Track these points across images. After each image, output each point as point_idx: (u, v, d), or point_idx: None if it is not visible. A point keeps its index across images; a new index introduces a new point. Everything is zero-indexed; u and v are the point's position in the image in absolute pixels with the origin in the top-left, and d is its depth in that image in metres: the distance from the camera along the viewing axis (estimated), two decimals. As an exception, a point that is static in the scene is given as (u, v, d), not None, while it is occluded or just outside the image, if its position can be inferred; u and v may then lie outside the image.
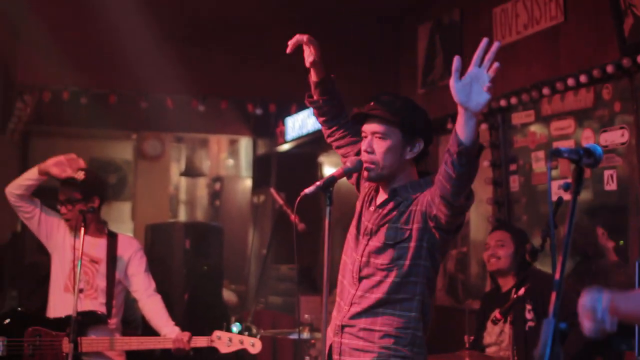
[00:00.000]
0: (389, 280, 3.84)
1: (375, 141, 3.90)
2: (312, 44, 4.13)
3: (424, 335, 3.92)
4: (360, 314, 3.89)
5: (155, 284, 5.90)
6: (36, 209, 5.85)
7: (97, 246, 5.81)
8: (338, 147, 4.35)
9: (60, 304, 5.65)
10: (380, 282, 3.86)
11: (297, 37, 4.16)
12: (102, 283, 5.76)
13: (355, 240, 4.03)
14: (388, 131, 3.89)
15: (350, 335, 3.92)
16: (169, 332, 5.64)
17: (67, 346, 5.32)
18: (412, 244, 3.82)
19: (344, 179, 4.24)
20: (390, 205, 3.93)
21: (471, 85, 3.29)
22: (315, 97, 4.32)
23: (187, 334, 5.57)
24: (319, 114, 4.36)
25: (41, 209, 5.87)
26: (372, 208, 4.01)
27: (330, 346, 3.99)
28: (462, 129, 3.37)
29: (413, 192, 3.90)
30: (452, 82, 3.29)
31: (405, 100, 4.03)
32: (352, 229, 4.08)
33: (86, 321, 5.56)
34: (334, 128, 4.33)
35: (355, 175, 4.26)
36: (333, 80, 4.27)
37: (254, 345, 5.49)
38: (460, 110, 3.36)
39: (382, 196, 3.99)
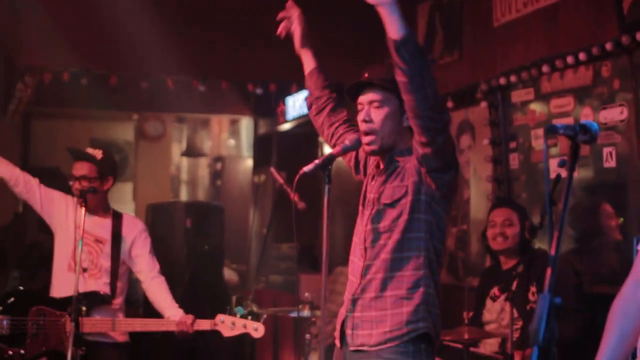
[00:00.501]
0: (392, 239, 3.83)
1: (372, 110, 3.90)
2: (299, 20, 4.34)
3: (436, 294, 3.88)
4: (370, 282, 3.86)
5: (159, 266, 5.92)
6: (34, 186, 5.86)
7: (102, 226, 5.84)
8: (336, 135, 4.33)
9: (64, 283, 5.67)
10: (384, 245, 3.85)
11: (284, 15, 4.36)
12: (106, 263, 5.78)
13: (362, 215, 4.02)
14: (385, 98, 3.89)
15: (362, 307, 3.88)
16: (172, 314, 5.66)
17: (70, 325, 5.34)
18: (410, 198, 3.80)
19: (345, 164, 4.27)
20: (388, 171, 3.93)
21: None
22: (318, 92, 4.38)
23: (190, 317, 5.58)
24: (322, 107, 4.38)
25: (39, 187, 5.88)
26: (373, 181, 4.00)
27: (343, 322, 3.97)
28: (388, 26, 3.47)
29: (409, 155, 3.89)
30: None
31: None
32: (359, 207, 4.07)
33: (90, 301, 5.59)
34: (338, 122, 4.35)
35: (362, 166, 4.25)
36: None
37: (257, 329, 5.51)
38: (379, 11, 3.46)
39: (381, 165, 3.99)
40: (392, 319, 3.81)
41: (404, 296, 3.81)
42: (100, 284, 5.74)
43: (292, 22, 4.38)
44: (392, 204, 3.85)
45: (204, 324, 5.56)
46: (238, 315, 5.55)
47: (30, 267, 9.28)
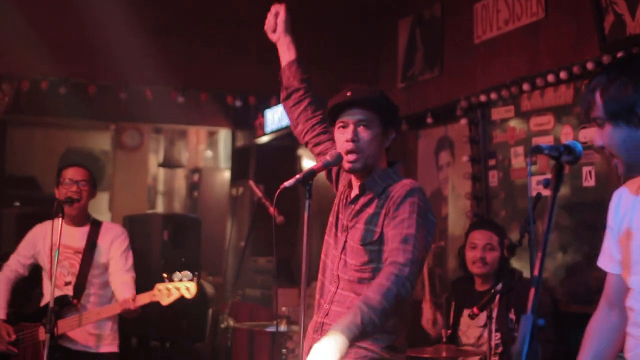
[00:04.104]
0: (364, 282, 3.80)
1: (360, 129, 3.88)
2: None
3: (403, 339, 3.87)
4: (340, 314, 3.81)
5: (131, 262, 5.94)
6: (19, 264, 6.02)
7: (79, 236, 5.90)
8: (317, 144, 4.26)
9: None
10: (356, 283, 3.83)
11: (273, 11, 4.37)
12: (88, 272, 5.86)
13: (335, 237, 4.00)
14: (372, 119, 3.88)
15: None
16: (120, 297, 5.70)
17: (43, 335, 5.44)
18: (382, 247, 3.78)
19: (323, 173, 4.23)
20: (361, 201, 3.91)
21: None
22: (297, 84, 4.33)
23: (132, 294, 5.61)
24: (301, 99, 4.33)
25: (25, 256, 6.01)
26: (346, 206, 3.98)
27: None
28: None
29: (382, 182, 3.88)
30: None
31: (380, 91, 4.04)
32: (331, 227, 4.04)
33: (60, 305, 5.65)
34: (316, 120, 4.30)
35: (334, 172, 4.23)
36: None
37: (189, 289, 5.44)
38: None
39: (354, 191, 3.97)
40: (357, 351, 3.76)
41: (373, 336, 3.75)
42: (89, 294, 5.82)
43: (280, 9, 4.37)
44: (365, 246, 3.83)
45: (143, 298, 5.54)
46: (176, 280, 5.47)
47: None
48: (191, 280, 5.43)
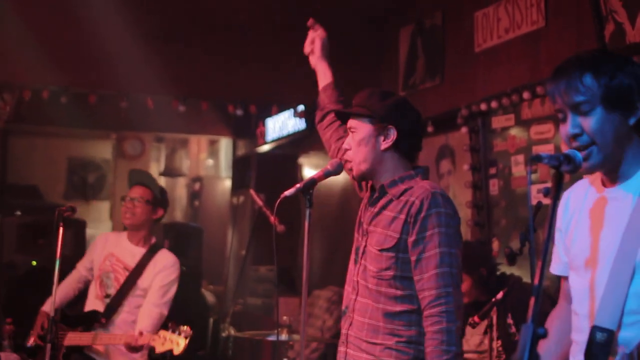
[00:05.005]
0: (382, 290, 3.73)
1: (350, 137, 3.88)
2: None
3: None
4: (362, 324, 3.78)
5: (168, 298, 5.95)
6: (86, 277, 6.18)
7: (133, 254, 5.99)
8: (342, 151, 4.26)
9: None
10: (375, 292, 3.75)
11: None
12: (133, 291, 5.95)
13: (356, 241, 3.95)
14: (357, 124, 3.86)
15: (354, 346, 3.81)
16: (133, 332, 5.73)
17: (67, 341, 5.70)
18: (400, 255, 3.70)
19: (328, 181, 4.23)
20: (380, 203, 3.83)
21: None
22: (332, 106, 4.37)
23: (143, 329, 5.61)
24: (334, 120, 4.35)
25: (86, 261, 6.20)
26: (367, 209, 3.92)
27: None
28: None
29: (402, 184, 3.80)
30: None
31: (378, 90, 3.97)
32: (355, 234, 4.00)
33: (90, 319, 5.83)
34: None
35: (364, 185, 4.14)
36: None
37: (179, 344, 5.44)
38: None
39: (375, 194, 3.90)
40: None
41: (394, 348, 3.69)
42: (121, 311, 5.88)
43: (316, 35, 4.49)
44: (381, 252, 3.74)
45: (145, 338, 5.50)
46: (176, 333, 5.46)
47: (3, 287, 9.21)
48: (186, 337, 5.42)
